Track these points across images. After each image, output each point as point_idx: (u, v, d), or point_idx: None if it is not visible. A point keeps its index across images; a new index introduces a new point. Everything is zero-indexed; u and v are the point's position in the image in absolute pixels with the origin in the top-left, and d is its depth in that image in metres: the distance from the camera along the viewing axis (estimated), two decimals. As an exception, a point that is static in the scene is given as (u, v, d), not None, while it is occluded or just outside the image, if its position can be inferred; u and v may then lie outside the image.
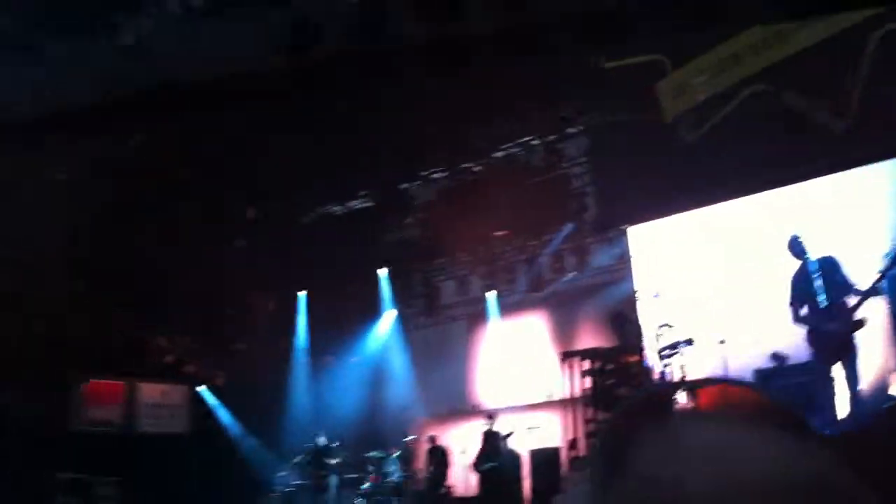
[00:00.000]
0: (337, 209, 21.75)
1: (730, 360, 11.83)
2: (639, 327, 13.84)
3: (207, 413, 20.96)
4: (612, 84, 13.42)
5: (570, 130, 16.02)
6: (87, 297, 19.03)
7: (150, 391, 20.61)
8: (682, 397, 0.76)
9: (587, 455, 13.35)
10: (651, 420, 0.72)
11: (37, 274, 18.04)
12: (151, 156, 18.21)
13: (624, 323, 14.50)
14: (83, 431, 19.20)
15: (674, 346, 12.73)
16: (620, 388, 13.72)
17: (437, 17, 9.62)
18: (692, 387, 0.78)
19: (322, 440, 17.09)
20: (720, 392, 0.76)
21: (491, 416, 15.76)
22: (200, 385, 21.12)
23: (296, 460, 18.11)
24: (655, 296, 13.53)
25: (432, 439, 16.56)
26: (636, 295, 14.08)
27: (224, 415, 20.94)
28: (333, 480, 16.70)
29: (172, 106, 10.50)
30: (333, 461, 16.81)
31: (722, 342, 12.03)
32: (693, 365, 12.35)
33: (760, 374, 11.71)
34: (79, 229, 18.81)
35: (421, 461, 17.15)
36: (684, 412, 0.75)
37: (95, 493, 18.20)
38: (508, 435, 15.37)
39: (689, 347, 12.56)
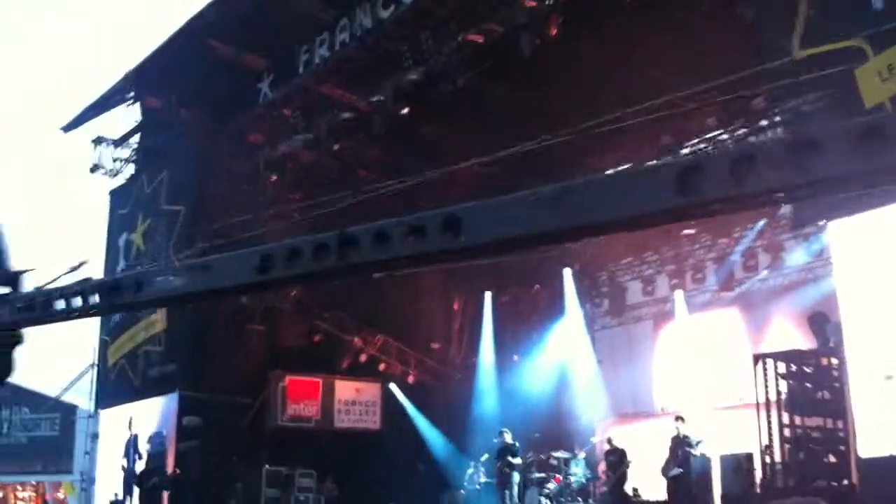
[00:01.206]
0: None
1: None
2: (839, 328, 12.96)
3: (399, 410, 21.56)
4: (806, 71, 12.65)
5: (762, 123, 15.27)
6: (300, 302, 20.02)
7: (344, 388, 21.43)
8: None
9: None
10: None
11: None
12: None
13: (824, 324, 13.63)
14: (284, 426, 20.21)
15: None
16: (819, 392, 12.92)
17: None
18: None
19: (508, 437, 17.16)
20: None
21: (680, 419, 15.26)
22: (392, 383, 21.74)
23: (483, 458, 18.31)
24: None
25: (610, 440, 16.24)
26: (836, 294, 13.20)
27: (414, 412, 21.46)
28: (516, 478, 16.67)
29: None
30: (517, 460, 16.81)
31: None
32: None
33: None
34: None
35: (604, 463, 16.88)
36: None
37: (295, 485, 19.10)
38: (699, 442, 14.83)
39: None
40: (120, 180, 22.51)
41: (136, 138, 22.27)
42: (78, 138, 22.34)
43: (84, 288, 5.66)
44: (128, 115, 21.89)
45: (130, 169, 22.42)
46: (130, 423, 19.73)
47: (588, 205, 3.60)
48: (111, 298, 5.51)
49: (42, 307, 5.77)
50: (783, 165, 3.01)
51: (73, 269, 7.22)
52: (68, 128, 22.19)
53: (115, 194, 22.71)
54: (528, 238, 4.06)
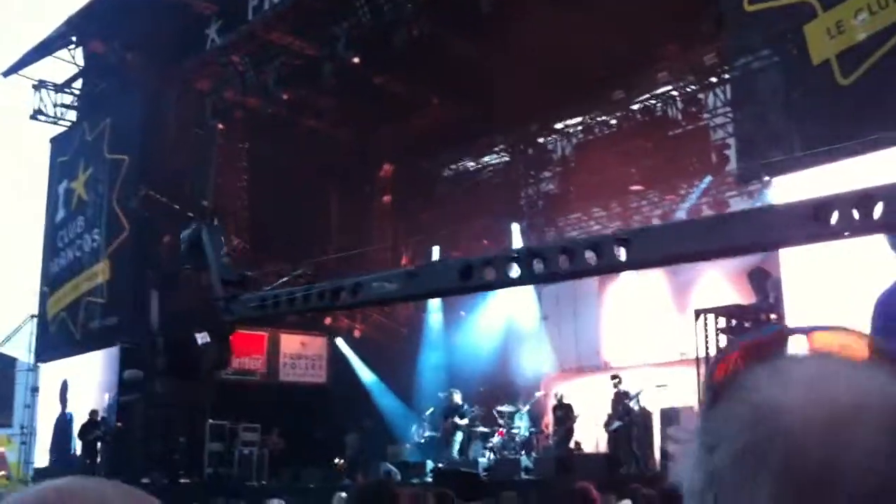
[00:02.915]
0: (472, 164, 21.76)
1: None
2: (779, 284, 13.17)
3: (345, 364, 21.50)
4: (755, 27, 12.72)
5: (711, 79, 15.34)
6: (245, 252, 19.79)
7: (290, 342, 21.29)
8: (794, 341, 0.78)
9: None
10: (761, 356, 0.76)
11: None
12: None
13: (764, 279, 13.86)
14: (228, 380, 20.02)
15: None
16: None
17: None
18: (805, 331, 0.79)
19: (457, 398, 17.23)
20: (833, 337, 0.77)
21: (617, 378, 15.47)
22: (339, 337, 21.66)
23: (427, 412, 18.39)
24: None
25: (558, 396, 16.41)
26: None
27: (360, 366, 21.43)
28: (459, 436, 16.86)
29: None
30: (464, 421, 16.96)
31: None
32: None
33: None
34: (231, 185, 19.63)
35: (549, 417, 17.06)
36: (794, 352, 0.78)
37: (239, 438, 18.99)
38: (638, 394, 15.06)
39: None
40: (62, 128, 21.97)
41: (78, 84, 21.70)
42: (19, 83, 21.70)
43: (309, 291, 6.65)
44: (71, 61, 21.33)
45: (72, 115, 21.86)
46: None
47: (739, 232, 4.54)
48: (332, 300, 6.47)
49: (272, 306, 6.91)
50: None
51: (297, 276, 8.36)
52: (8, 72, 21.52)
53: (56, 141, 22.16)
54: (684, 257, 5.17)
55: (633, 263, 5.05)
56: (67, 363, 20.49)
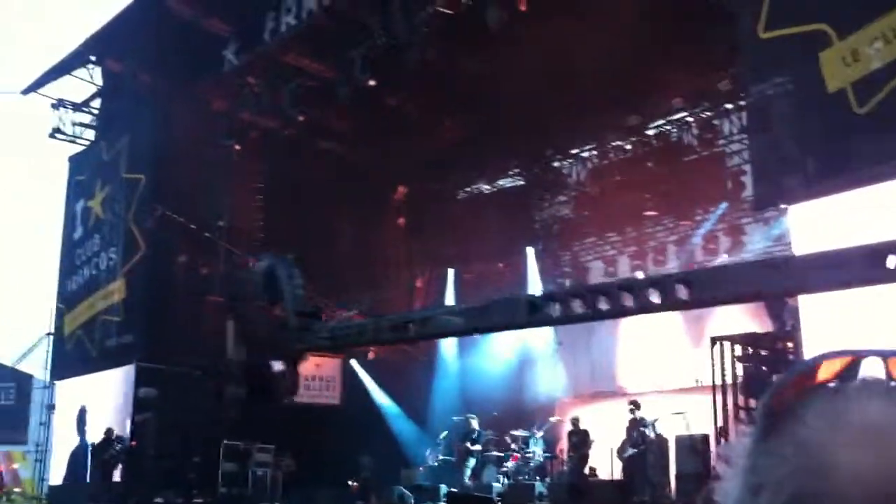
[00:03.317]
0: (486, 187, 21.72)
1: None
2: (796, 312, 13.03)
3: (359, 386, 21.44)
4: (770, 54, 12.64)
5: (726, 106, 15.26)
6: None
7: (305, 363, 21.21)
8: (848, 369, 0.73)
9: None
10: (814, 389, 0.71)
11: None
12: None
13: (781, 307, 13.71)
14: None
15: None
16: (774, 374, 13.00)
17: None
18: (860, 357, 0.74)
19: (474, 423, 17.17)
20: (888, 365, 0.72)
21: (635, 404, 15.33)
22: (353, 359, 21.61)
23: (441, 436, 18.30)
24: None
25: (575, 421, 16.29)
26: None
27: (374, 388, 21.36)
28: (472, 461, 16.79)
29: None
30: (477, 447, 16.89)
31: None
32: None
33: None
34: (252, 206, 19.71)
35: (563, 442, 16.94)
36: (848, 383, 0.72)
37: (252, 459, 18.95)
38: (654, 421, 14.92)
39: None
40: (81, 146, 22.14)
41: (97, 103, 21.86)
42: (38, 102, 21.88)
43: (378, 323, 7.12)
44: (90, 80, 21.50)
45: (90, 134, 22.01)
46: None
47: (801, 274, 4.90)
48: (401, 333, 6.94)
49: (343, 337, 7.59)
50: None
51: (361, 312, 9.08)
52: (27, 90, 21.71)
53: (74, 160, 22.32)
54: (742, 297, 5.65)
55: (697, 302, 5.47)
56: (83, 381, 20.54)
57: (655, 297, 4.98)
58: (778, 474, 0.67)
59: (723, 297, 5.53)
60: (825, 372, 0.73)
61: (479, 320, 6.17)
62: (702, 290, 4.99)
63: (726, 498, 0.72)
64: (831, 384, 0.71)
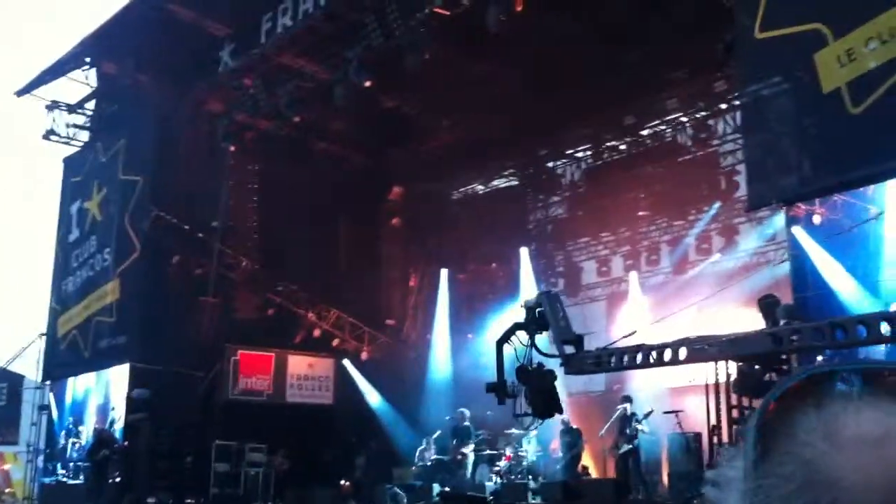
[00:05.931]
0: (481, 188, 21.82)
1: None
2: (791, 311, 13.17)
3: (352, 386, 21.46)
4: (766, 54, 12.78)
5: (721, 106, 15.41)
6: (254, 275, 19.86)
7: (297, 363, 21.26)
8: (842, 381, 0.74)
9: (741, 432, 12.87)
10: (811, 401, 0.71)
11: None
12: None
13: (773, 307, 13.82)
14: (235, 400, 20.01)
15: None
16: (767, 373, 13.10)
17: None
18: (854, 370, 0.75)
19: (466, 422, 17.20)
20: (884, 378, 0.72)
21: (628, 399, 15.42)
22: (346, 359, 21.63)
23: (435, 435, 18.32)
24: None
25: (566, 421, 16.36)
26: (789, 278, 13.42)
27: (367, 388, 21.39)
28: (470, 459, 16.83)
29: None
30: (469, 445, 16.94)
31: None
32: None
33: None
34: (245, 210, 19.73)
35: (557, 442, 17.00)
36: (845, 396, 0.72)
37: (245, 459, 18.93)
38: (648, 414, 15.00)
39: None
40: (74, 148, 22.11)
41: (91, 104, 21.85)
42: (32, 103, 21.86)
43: (637, 351, 8.22)
44: (84, 82, 21.50)
45: (84, 136, 21.99)
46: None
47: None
48: (657, 360, 8.34)
49: (606, 364, 8.70)
50: None
51: (626, 336, 9.89)
52: (22, 92, 21.68)
53: (69, 161, 22.29)
54: None
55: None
56: (75, 381, 20.49)
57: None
58: (784, 492, 0.67)
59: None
60: (805, 389, 0.74)
61: (730, 350, 7.98)
62: None
63: None
64: (811, 400, 0.72)
